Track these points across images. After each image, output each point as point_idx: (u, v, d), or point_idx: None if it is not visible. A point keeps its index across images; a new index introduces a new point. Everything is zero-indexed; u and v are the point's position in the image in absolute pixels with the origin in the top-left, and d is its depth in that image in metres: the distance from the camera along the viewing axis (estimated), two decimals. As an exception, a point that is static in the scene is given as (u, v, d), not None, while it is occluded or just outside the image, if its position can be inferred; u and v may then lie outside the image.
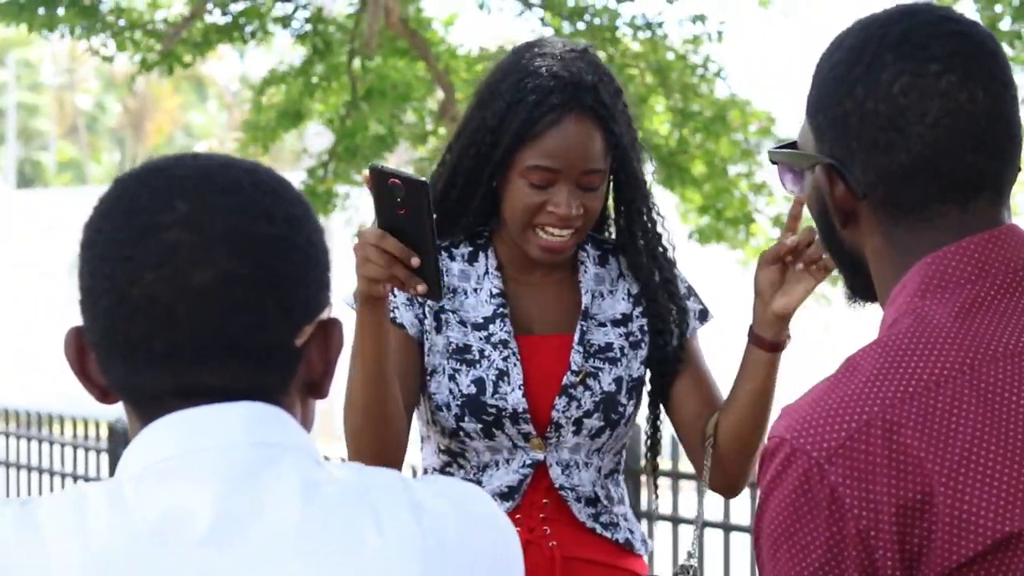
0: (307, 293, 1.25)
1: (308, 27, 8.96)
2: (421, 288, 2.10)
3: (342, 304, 2.23)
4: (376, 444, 2.25)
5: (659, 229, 2.45)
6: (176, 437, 1.22)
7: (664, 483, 5.51)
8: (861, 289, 1.56)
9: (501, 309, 2.39)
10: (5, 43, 34.92)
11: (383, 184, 2.09)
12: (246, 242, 1.22)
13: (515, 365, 2.36)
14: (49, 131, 40.40)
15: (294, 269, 1.24)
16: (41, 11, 8.34)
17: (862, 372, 1.37)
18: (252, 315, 1.22)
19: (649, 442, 2.55)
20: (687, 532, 5.45)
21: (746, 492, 4.65)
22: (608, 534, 2.40)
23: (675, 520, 5.40)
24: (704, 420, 2.43)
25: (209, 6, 8.70)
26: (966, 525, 1.31)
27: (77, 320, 1.28)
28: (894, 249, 1.46)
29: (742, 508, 4.99)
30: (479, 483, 2.36)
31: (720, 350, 3.62)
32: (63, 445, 7.55)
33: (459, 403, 2.34)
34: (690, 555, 2.52)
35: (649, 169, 2.46)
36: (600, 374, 2.39)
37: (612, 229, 2.51)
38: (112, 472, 6.98)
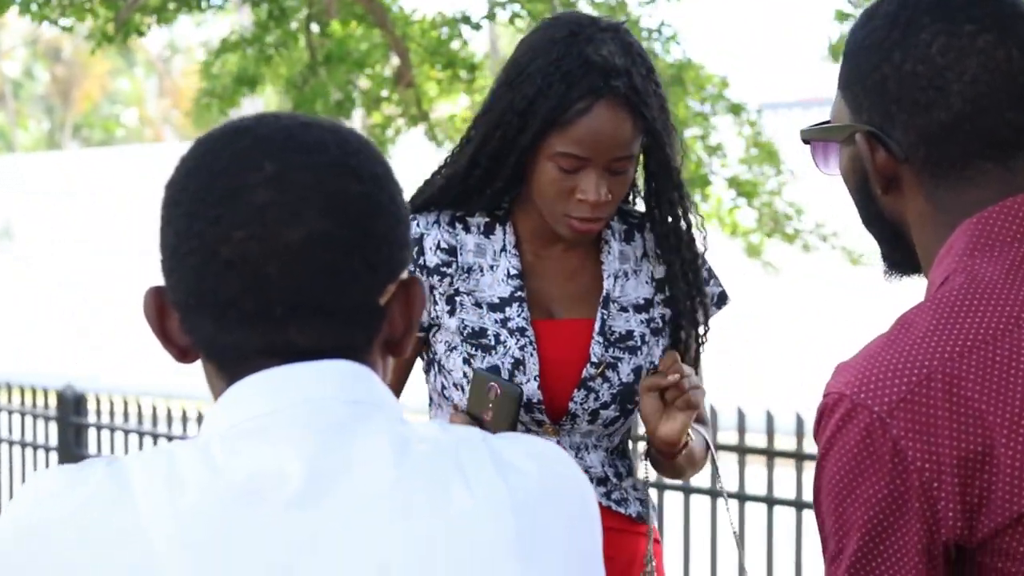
0: (391, 251, 1.26)
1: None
2: None
3: None
4: None
5: (687, 207, 2.41)
6: (267, 394, 1.22)
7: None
8: (900, 260, 1.57)
9: (519, 292, 2.35)
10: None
11: (481, 385, 2.23)
12: (335, 201, 1.22)
13: (532, 355, 2.32)
14: (-25, 99, 39.71)
15: (379, 227, 1.25)
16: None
17: (918, 328, 1.39)
18: (340, 274, 1.22)
19: None
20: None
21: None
22: (621, 510, 2.41)
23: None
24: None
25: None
26: None
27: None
28: (937, 210, 1.48)
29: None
30: None
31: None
32: (11, 413, 7.57)
33: None
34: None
35: (678, 152, 2.38)
36: (620, 364, 2.35)
37: (639, 200, 2.48)
38: (62, 440, 7.05)
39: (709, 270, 2.48)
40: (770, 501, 5.25)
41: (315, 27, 8.88)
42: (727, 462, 4.60)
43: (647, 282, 2.41)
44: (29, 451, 7.41)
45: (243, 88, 9.27)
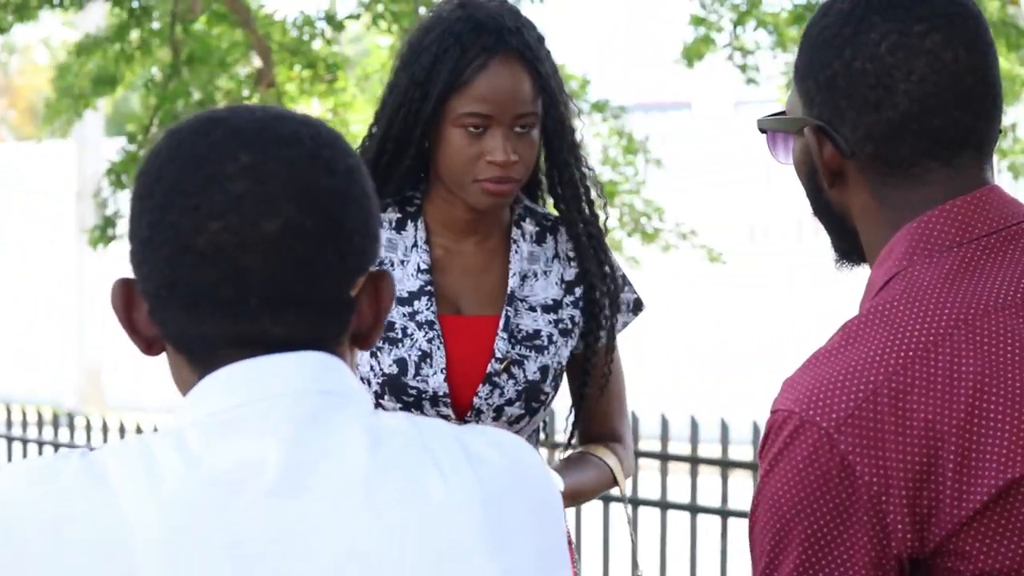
0: (363, 244, 1.26)
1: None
2: None
3: None
4: None
5: (585, 173, 2.41)
6: (243, 385, 1.21)
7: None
8: (847, 251, 1.58)
9: (428, 287, 2.36)
10: None
11: None
12: (310, 193, 1.22)
13: (439, 348, 2.33)
14: None
15: (352, 220, 1.24)
16: None
17: (862, 340, 1.39)
18: (314, 265, 1.22)
19: (571, 426, 2.53)
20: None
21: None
22: None
23: (663, 505, 5.35)
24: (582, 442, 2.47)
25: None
26: (972, 479, 1.33)
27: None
28: (882, 206, 1.48)
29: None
30: None
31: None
32: None
33: (379, 381, 2.34)
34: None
35: (576, 116, 2.42)
36: (526, 362, 2.36)
37: (546, 197, 2.48)
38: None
39: (623, 277, 2.49)
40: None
41: (178, 28, 8.62)
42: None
43: (556, 283, 2.42)
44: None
45: (104, 88, 9.03)
